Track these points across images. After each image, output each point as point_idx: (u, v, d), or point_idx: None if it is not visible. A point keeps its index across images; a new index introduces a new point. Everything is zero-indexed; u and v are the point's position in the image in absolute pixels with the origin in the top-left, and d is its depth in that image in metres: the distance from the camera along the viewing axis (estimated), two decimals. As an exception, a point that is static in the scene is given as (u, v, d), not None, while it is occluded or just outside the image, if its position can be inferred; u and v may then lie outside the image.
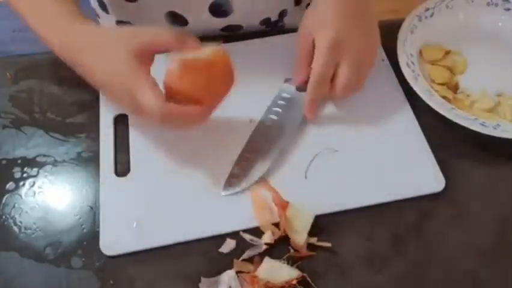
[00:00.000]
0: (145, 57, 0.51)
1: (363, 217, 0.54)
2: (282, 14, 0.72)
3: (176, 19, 0.67)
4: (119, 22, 0.72)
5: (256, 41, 0.68)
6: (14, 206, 0.56)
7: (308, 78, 0.57)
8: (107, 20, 0.74)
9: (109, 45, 0.51)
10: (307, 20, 0.59)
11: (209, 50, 0.50)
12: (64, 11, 0.54)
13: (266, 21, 0.71)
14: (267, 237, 0.52)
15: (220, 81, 0.52)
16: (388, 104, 0.62)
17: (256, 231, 0.53)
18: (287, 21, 0.74)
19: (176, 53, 0.50)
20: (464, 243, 0.53)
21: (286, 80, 0.63)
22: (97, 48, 0.51)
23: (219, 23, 0.69)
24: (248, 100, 0.62)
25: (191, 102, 0.50)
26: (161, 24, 0.68)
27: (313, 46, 0.56)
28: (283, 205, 0.53)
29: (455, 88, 0.64)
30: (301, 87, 0.59)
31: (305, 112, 0.59)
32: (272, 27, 0.73)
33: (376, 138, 0.59)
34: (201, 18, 0.67)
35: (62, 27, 0.53)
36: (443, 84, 0.64)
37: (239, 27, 0.70)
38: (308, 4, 0.73)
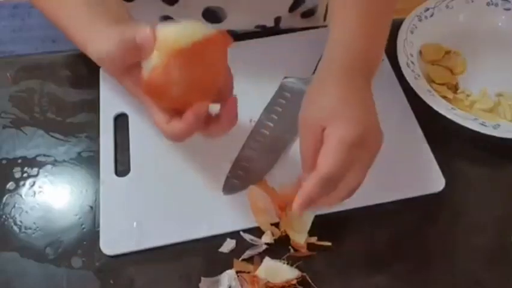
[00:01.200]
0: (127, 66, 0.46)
1: (363, 217, 0.54)
2: (277, 20, 0.71)
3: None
4: None
5: (255, 40, 0.68)
6: (14, 206, 0.56)
7: None
8: None
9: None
10: (312, 105, 0.48)
11: (185, 38, 0.40)
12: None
13: (261, 27, 0.71)
14: (267, 237, 0.52)
15: (207, 70, 0.42)
16: (388, 104, 0.62)
17: (256, 231, 0.53)
18: (283, 25, 0.74)
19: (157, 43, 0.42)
20: (464, 243, 0.53)
21: (286, 78, 0.63)
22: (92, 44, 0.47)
23: (212, 27, 0.68)
24: (248, 100, 0.62)
25: (184, 106, 0.43)
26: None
27: (322, 137, 0.45)
28: (282, 205, 0.53)
29: (455, 88, 0.64)
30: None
31: (294, 205, 0.45)
32: (268, 32, 0.72)
33: (376, 138, 0.59)
34: None
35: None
36: (443, 84, 0.64)
37: (233, 31, 0.70)
38: (303, 13, 0.72)
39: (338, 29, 0.50)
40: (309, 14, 0.72)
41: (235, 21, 0.67)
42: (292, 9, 0.70)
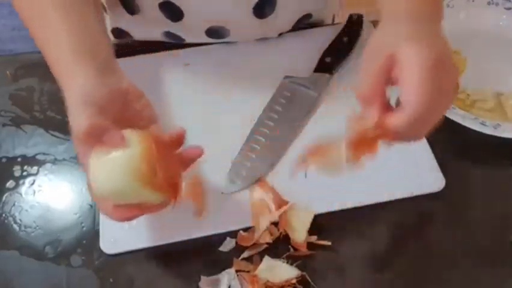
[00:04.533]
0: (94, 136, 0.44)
1: (363, 217, 0.54)
2: (281, 34, 0.70)
3: (173, 37, 0.66)
4: (116, 29, 0.70)
5: (255, 40, 0.68)
6: (13, 204, 0.56)
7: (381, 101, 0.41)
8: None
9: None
10: (379, 38, 0.43)
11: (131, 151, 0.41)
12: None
13: (264, 39, 0.70)
14: (266, 237, 0.52)
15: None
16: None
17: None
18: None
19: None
20: (464, 243, 0.53)
21: (286, 78, 0.63)
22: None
23: (215, 41, 0.68)
24: (248, 99, 0.62)
25: None
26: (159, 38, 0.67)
27: (391, 63, 0.41)
28: (282, 205, 0.53)
29: (455, 88, 0.64)
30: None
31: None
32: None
33: (376, 138, 0.59)
34: (198, 38, 0.66)
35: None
36: (444, 84, 0.64)
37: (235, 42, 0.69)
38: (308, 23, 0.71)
39: None
40: (315, 25, 0.71)
41: (238, 37, 0.66)
42: (297, 25, 0.69)
